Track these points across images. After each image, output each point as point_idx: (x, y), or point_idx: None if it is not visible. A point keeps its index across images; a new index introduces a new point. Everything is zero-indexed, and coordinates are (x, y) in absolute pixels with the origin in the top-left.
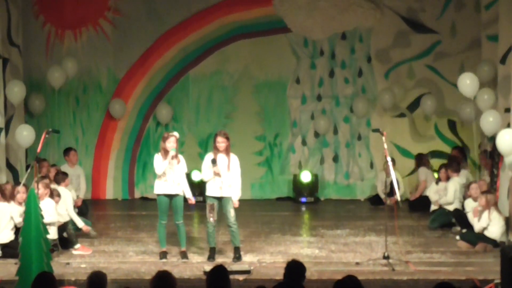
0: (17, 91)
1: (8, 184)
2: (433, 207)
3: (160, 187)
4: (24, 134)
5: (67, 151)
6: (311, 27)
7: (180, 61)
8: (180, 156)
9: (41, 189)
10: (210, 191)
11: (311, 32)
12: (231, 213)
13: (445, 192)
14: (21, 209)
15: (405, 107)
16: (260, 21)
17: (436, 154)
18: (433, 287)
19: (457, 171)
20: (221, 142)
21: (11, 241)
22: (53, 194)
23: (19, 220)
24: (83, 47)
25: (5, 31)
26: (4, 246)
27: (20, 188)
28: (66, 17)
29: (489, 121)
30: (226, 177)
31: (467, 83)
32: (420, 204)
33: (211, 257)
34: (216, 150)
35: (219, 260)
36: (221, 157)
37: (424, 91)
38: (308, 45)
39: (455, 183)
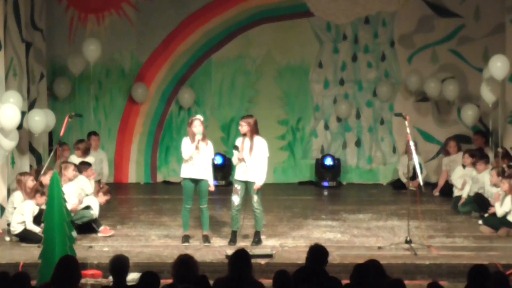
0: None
1: (30, 179)
2: (456, 193)
3: (187, 171)
4: (36, 119)
5: (89, 135)
6: (334, 12)
7: (203, 46)
8: (209, 141)
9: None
10: (236, 175)
11: (334, 17)
12: (254, 198)
13: (474, 179)
14: (37, 209)
15: (428, 92)
16: (283, 5)
17: (459, 138)
18: (469, 269)
19: (488, 162)
20: (240, 125)
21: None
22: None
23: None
24: (106, 31)
25: (29, 15)
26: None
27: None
28: (89, 1)
29: (497, 66)
30: (250, 161)
31: (498, 65)
32: (443, 189)
33: (232, 241)
34: (242, 134)
35: (241, 244)
36: (246, 142)
37: (447, 75)
38: (331, 29)
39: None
